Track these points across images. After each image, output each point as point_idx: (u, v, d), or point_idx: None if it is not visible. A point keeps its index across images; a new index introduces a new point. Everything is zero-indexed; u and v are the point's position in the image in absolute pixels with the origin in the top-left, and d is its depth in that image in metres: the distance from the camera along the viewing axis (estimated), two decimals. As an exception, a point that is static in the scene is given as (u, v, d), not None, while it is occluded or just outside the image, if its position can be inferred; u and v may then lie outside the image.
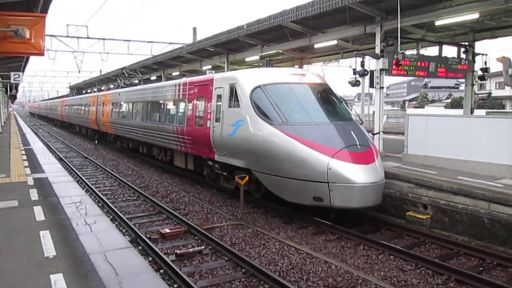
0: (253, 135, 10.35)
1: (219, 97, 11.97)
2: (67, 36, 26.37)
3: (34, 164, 14.13)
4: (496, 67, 16.27)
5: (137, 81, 26.40)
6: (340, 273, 7.19)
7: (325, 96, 11.27)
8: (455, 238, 9.07)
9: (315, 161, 9.13)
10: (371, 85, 13.56)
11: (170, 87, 16.25)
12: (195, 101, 13.65)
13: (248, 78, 11.22)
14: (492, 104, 47.07)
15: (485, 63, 15.63)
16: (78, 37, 26.85)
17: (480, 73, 15.78)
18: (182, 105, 14.76)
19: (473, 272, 7.20)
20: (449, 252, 8.42)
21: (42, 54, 8.33)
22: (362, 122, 11.65)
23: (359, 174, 8.98)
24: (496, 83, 47.73)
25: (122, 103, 22.75)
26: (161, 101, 17.05)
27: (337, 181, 8.91)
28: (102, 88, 42.74)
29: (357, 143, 9.62)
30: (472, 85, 16.05)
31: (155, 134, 16.95)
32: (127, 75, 28.36)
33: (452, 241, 8.85)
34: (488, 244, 8.59)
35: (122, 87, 25.05)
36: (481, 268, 7.60)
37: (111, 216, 10.49)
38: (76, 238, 6.56)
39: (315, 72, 12.86)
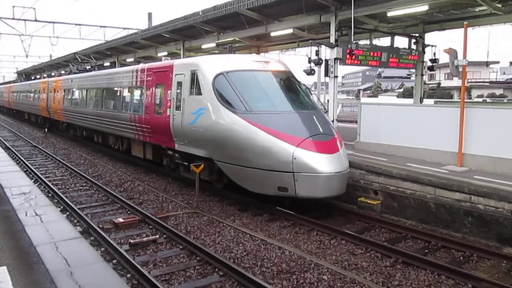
0: (215, 123, 10.09)
1: (179, 84, 11.63)
2: (13, 19, 25.12)
3: (-23, 153, 13.42)
4: (445, 58, 16.90)
5: (90, 67, 25.52)
6: (293, 258, 7.33)
7: (289, 84, 11.10)
8: (403, 223, 9.46)
9: (280, 151, 8.99)
10: (326, 74, 13.77)
11: (127, 73, 15.74)
12: (154, 88, 13.26)
13: (210, 65, 10.91)
14: (441, 94, 49.27)
15: (434, 54, 16.19)
16: (25, 20, 25.66)
17: (429, 63, 16.35)
18: (140, 92, 14.32)
19: (419, 254, 7.56)
20: (398, 235, 8.77)
21: (-17, 36, 7.89)
22: (326, 111, 11.65)
23: (324, 164, 8.93)
24: (445, 74, 49.83)
25: (75, 89, 21.91)
26: (117, 88, 16.50)
27: (302, 171, 8.83)
28: (53, 74, 41.01)
29: (322, 132, 9.55)
30: (422, 75, 16.64)
31: (111, 122, 16.38)
32: (80, 61, 27.33)
33: (401, 225, 9.22)
34: (434, 228, 9.03)
35: (75, 73, 24.13)
36: (426, 250, 7.98)
37: (61, 207, 10.16)
38: (22, 230, 6.30)
39: (278, 59, 12.81)
